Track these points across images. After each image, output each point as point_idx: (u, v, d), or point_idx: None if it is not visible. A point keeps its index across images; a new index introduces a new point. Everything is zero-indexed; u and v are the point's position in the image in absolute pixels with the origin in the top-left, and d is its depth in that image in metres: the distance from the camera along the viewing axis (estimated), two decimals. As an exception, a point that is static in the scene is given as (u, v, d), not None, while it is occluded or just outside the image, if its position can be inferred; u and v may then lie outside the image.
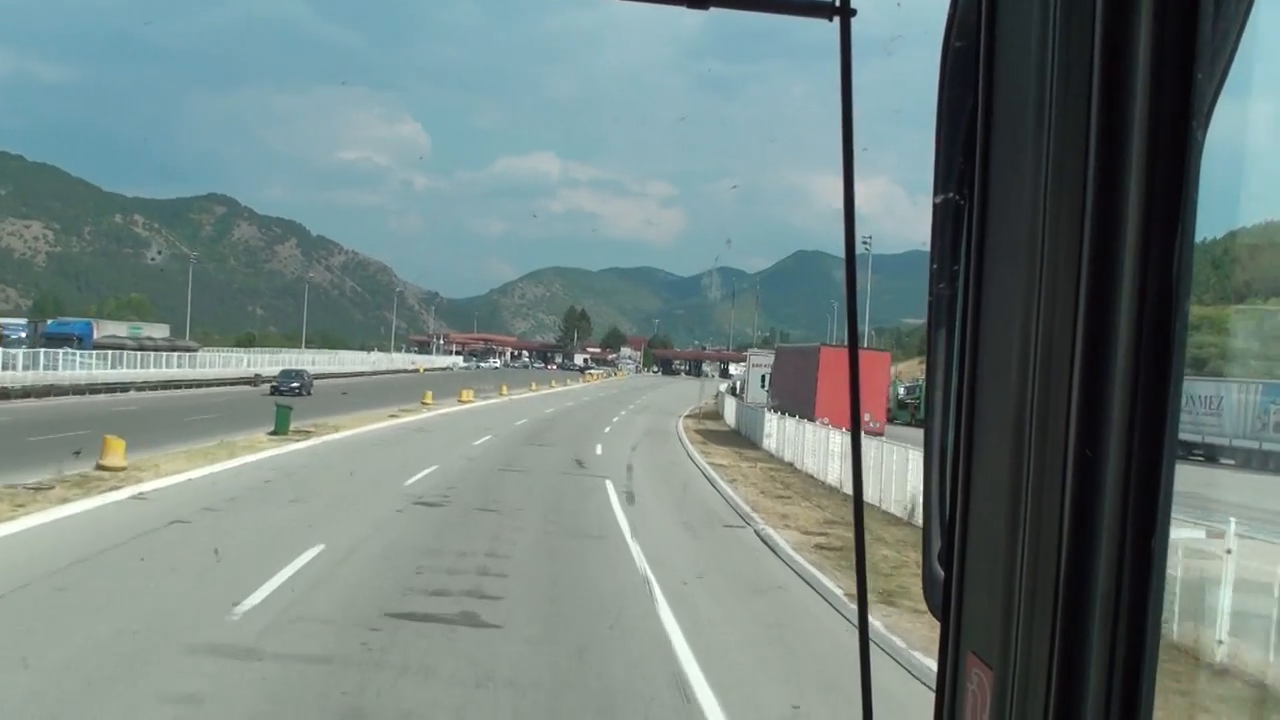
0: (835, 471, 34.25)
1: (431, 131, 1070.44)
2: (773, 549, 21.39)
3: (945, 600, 1.37)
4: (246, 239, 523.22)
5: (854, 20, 1.40)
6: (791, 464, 40.42)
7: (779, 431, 45.91)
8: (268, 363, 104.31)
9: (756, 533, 23.65)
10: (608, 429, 57.98)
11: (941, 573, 1.41)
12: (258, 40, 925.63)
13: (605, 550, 20.13)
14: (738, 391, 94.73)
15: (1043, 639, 1.17)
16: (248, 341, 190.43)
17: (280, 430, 38.38)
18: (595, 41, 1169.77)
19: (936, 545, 1.46)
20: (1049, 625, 1.16)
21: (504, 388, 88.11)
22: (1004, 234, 1.26)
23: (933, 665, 5.43)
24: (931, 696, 1.46)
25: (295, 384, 70.83)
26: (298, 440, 37.16)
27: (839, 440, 34.51)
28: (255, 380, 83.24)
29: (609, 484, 30.84)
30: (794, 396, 51.96)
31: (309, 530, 19.61)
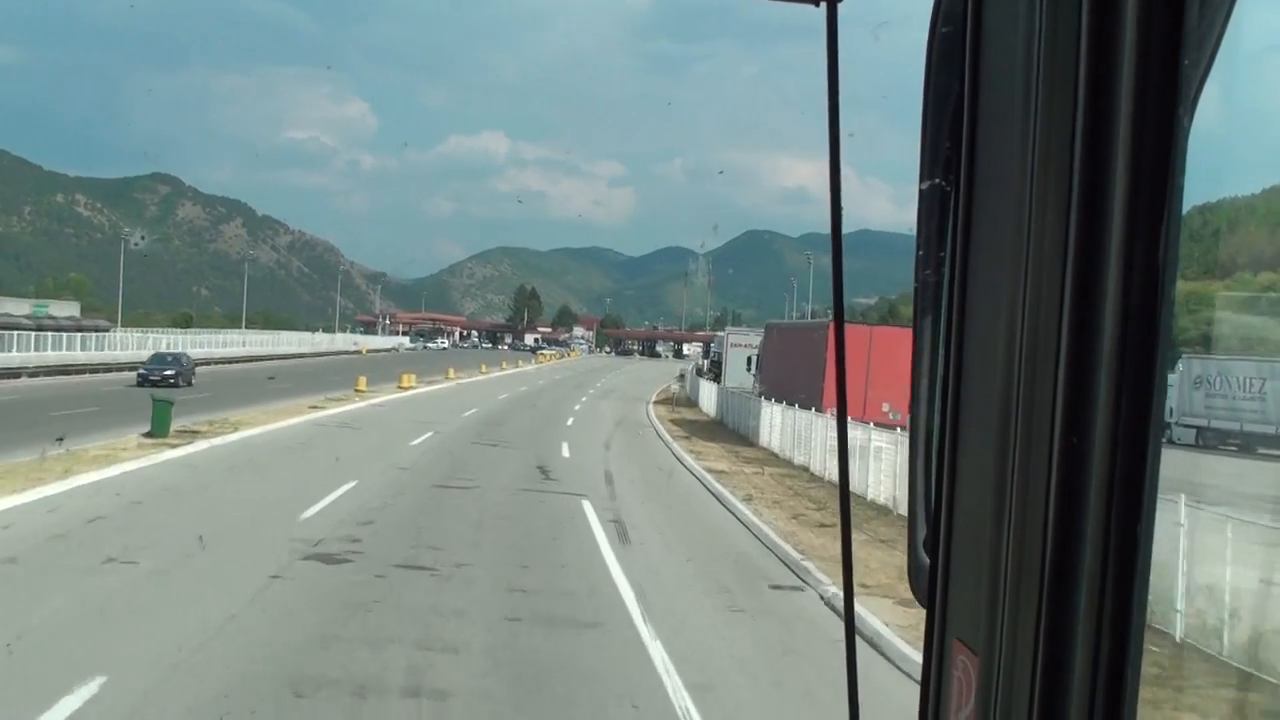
0: (872, 481, 25.67)
1: (379, 112, 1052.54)
2: (879, 649, 12.88)
3: (931, 587, 1.35)
4: (191, 219, 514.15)
5: (840, 5, 1.39)
6: (806, 468, 32.10)
7: (781, 425, 37.63)
8: (194, 344, 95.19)
9: (827, 601, 15.35)
10: (571, 420, 49.51)
11: (927, 560, 1.39)
12: (203, 19, 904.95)
13: (608, 660, 11.74)
14: (704, 373, 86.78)
15: (1028, 625, 1.16)
16: (184, 322, 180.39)
17: (158, 432, 29.58)
18: (543, 21, 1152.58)
19: (922, 532, 1.44)
20: (1034, 612, 1.16)
21: (450, 371, 79.14)
22: (990, 220, 1.25)
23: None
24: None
25: (169, 371, 57.40)
26: (179, 445, 28.27)
27: (861, 438, 25.88)
28: (175, 363, 74.26)
29: (588, 507, 22.52)
30: (791, 382, 43.44)
31: (94, 639, 11.15)
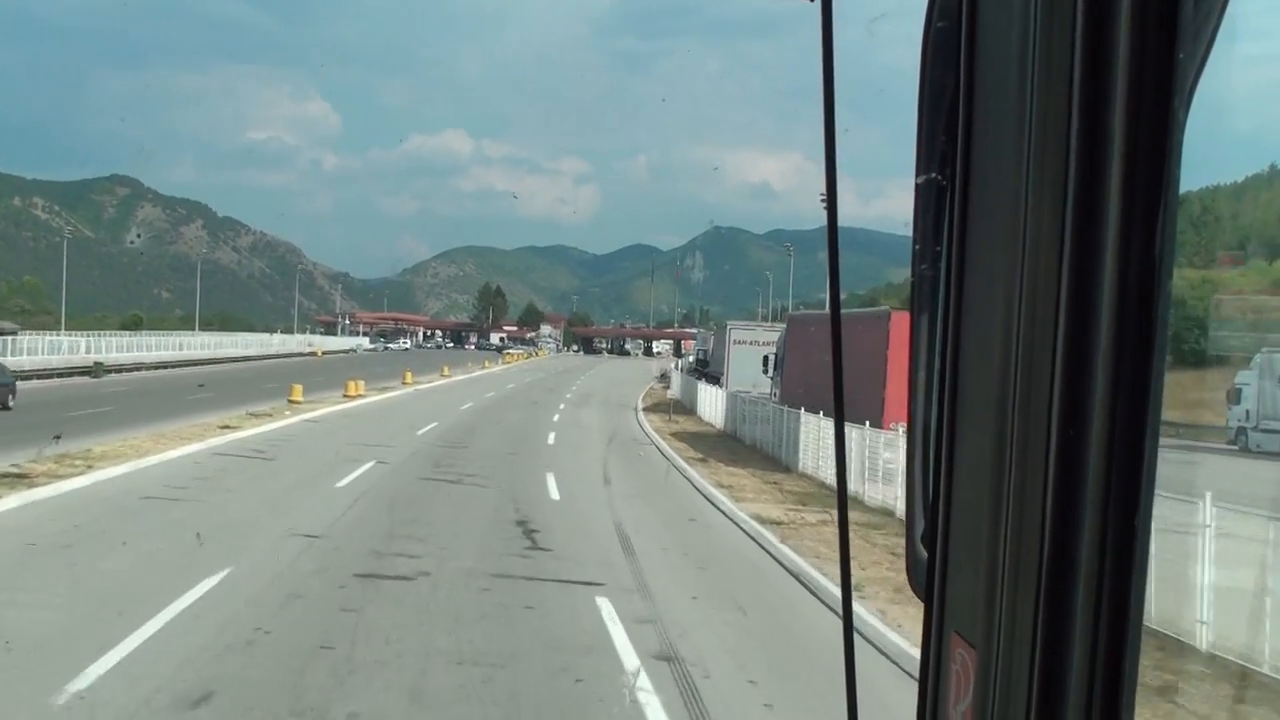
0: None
1: (341, 111, 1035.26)
2: None
3: (929, 581, 1.35)
4: (151, 220, 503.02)
5: (834, 1, 1.41)
6: (888, 511, 22.52)
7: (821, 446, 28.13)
8: (135, 347, 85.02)
9: None
10: (552, 436, 39.99)
11: (925, 554, 1.39)
12: (161, 18, 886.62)
13: None
14: (688, 373, 77.44)
15: (1026, 619, 1.16)
16: (134, 324, 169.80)
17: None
18: (503, 19, 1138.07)
19: (920, 526, 1.44)
20: (1032, 605, 1.16)
21: (408, 375, 68.91)
22: (986, 214, 1.25)
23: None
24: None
25: None
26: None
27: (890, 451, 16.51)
28: (95, 370, 64.11)
29: (608, 616, 13.15)
30: (825, 387, 33.68)
31: None
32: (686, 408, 56.47)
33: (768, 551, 18.58)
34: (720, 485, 26.67)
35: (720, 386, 55.96)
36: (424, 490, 23.41)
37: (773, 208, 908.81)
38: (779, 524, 20.83)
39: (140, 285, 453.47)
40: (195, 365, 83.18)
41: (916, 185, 1.46)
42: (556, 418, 48.36)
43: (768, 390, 46.07)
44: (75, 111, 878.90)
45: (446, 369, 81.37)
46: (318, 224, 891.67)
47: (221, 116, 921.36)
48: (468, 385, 71.94)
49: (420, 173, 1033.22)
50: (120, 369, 69.47)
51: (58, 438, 24.36)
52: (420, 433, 37.45)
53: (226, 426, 33.42)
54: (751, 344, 55.00)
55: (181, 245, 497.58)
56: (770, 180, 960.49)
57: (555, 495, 23.89)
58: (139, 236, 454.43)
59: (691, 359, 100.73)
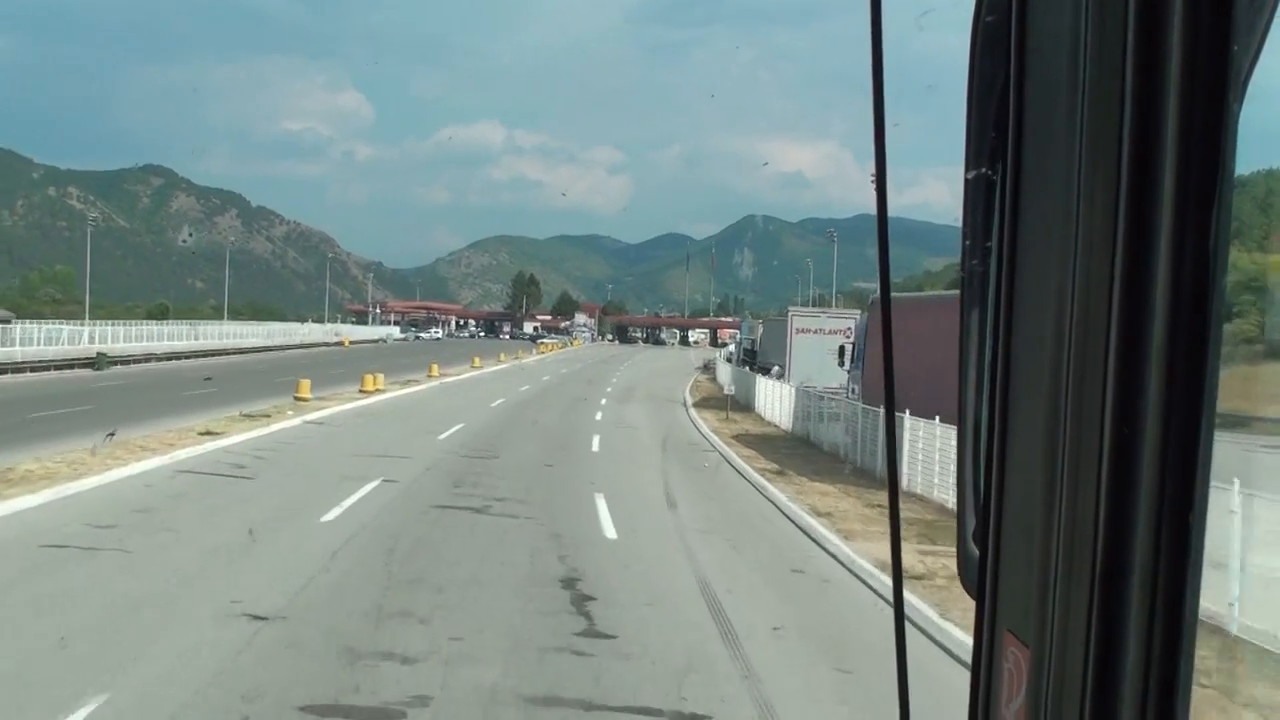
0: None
1: (374, 101, 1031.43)
2: None
3: (980, 579, 1.34)
4: (185, 210, 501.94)
5: None
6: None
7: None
8: (147, 336, 79.87)
9: None
10: (596, 442, 34.15)
11: (977, 551, 1.38)
12: (196, 10, 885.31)
13: None
14: (737, 362, 71.65)
15: (1079, 617, 1.15)
16: (160, 313, 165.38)
17: None
18: (537, 7, 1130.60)
19: (971, 524, 1.43)
20: (1085, 603, 1.15)
21: (434, 367, 63.05)
22: (1037, 209, 1.24)
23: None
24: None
25: None
26: None
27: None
28: (99, 361, 58.85)
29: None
30: (927, 383, 27.74)
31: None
32: (742, 403, 50.39)
33: (928, 635, 12.63)
34: (816, 512, 20.74)
35: (774, 378, 50.75)
36: (438, 526, 17.59)
37: (806, 196, 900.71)
38: (920, 579, 14.92)
39: (174, 275, 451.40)
40: (211, 356, 78.02)
41: (966, 180, 1.43)
42: (599, 416, 42.59)
43: (836, 385, 40.09)
44: (110, 102, 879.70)
45: (477, 360, 75.66)
46: (351, 214, 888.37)
47: (256, 107, 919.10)
48: (499, 378, 66.16)
49: (453, 162, 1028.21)
50: (129, 360, 64.32)
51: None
52: (442, 437, 31.64)
53: (209, 432, 27.61)
54: (815, 333, 49.12)
55: (215, 235, 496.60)
56: (804, 169, 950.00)
57: (610, 532, 17.98)
58: (190, 236, 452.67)
59: (730, 348, 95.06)
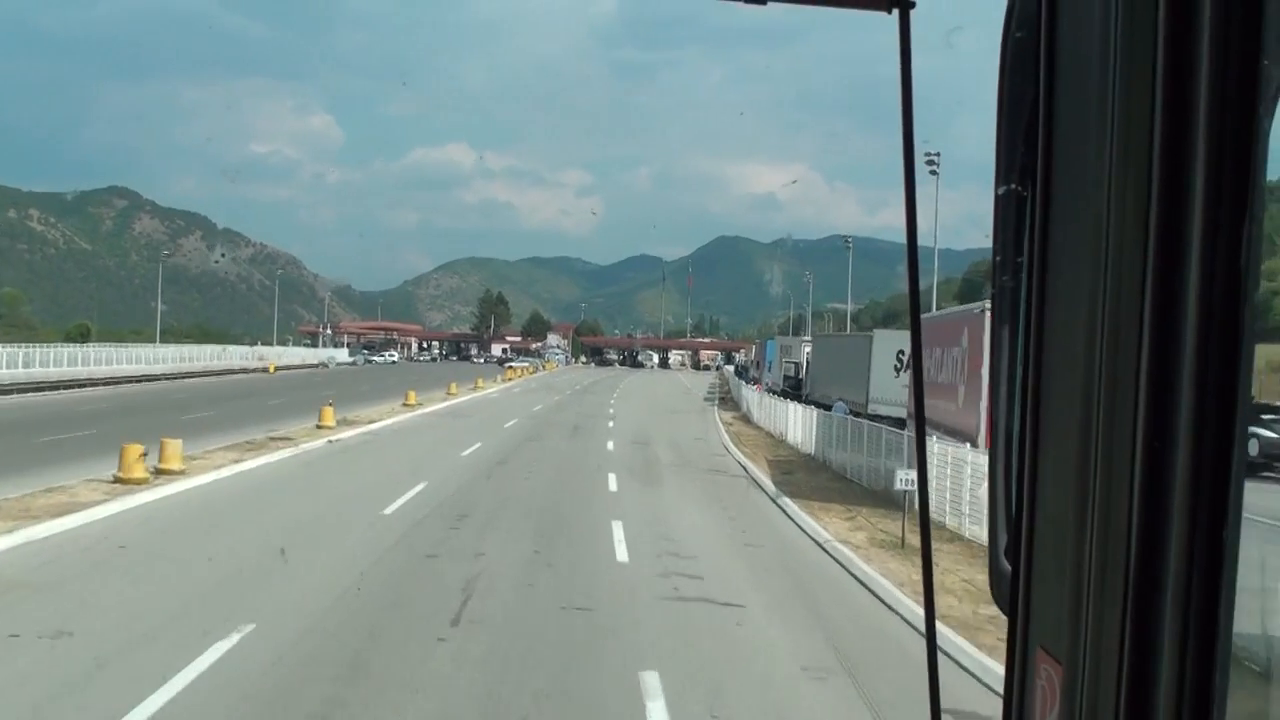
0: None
1: (344, 124, 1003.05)
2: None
3: (1013, 595, 1.32)
4: (149, 232, 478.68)
5: (912, 12, 1.39)
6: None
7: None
8: (35, 361, 57.89)
9: None
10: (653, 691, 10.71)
11: (1009, 568, 1.36)
12: (162, 31, 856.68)
13: None
14: (757, 385, 49.70)
15: (1113, 634, 1.12)
16: (80, 335, 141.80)
17: None
18: (506, 30, 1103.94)
19: (1003, 540, 1.40)
20: (1119, 620, 1.12)
21: (327, 413, 36.77)
22: (1068, 225, 1.22)
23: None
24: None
25: None
26: None
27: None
28: None
29: None
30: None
31: None
32: (768, 432, 27.41)
33: None
34: None
35: (840, 414, 34.68)
36: None
37: (777, 218, 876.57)
38: None
39: (137, 298, 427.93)
40: (99, 385, 58.48)
41: (996, 196, 1.42)
42: (623, 554, 19.49)
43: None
44: (74, 123, 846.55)
45: (411, 396, 51.97)
46: (319, 236, 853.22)
47: (222, 129, 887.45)
48: (433, 427, 42.97)
49: (422, 185, 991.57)
50: None
51: None
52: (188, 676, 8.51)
53: None
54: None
55: (179, 257, 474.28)
56: (775, 190, 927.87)
57: None
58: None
59: (731, 370, 73.22)
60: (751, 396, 57.06)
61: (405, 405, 50.33)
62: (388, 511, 19.95)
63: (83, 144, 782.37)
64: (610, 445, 36.98)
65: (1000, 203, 1.41)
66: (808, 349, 59.40)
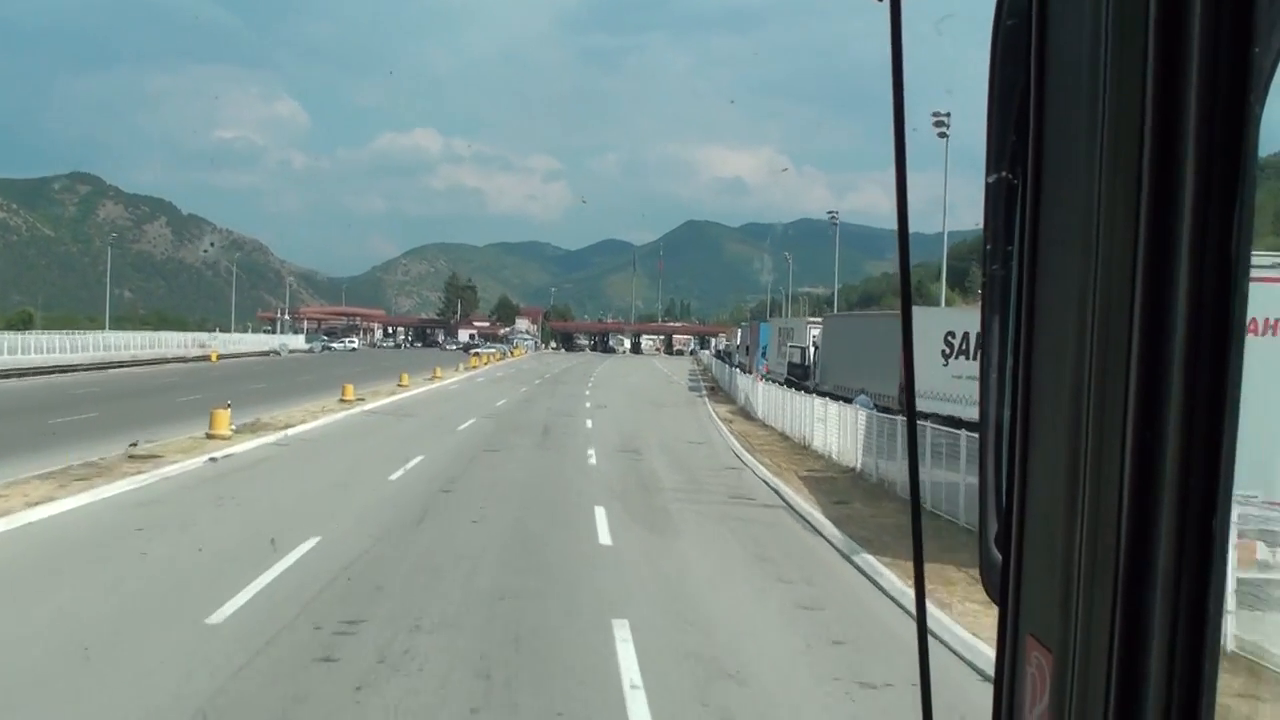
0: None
1: (310, 110, 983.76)
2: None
3: (1003, 583, 1.31)
4: (113, 219, 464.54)
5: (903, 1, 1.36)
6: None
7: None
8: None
9: None
10: None
11: (999, 556, 1.34)
12: (127, 19, 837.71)
13: None
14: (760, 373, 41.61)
15: (1103, 621, 1.12)
16: (21, 322, 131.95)
17: None
18: (471, 16, 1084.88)
19: (993, 529, 1.39)
20: (1109, 608, 1.11)
21: (219, 417, 27.58)
22: (1058, 213, 1.21)
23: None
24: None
25: None
26: None
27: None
28: None
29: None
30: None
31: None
32: (782, 433, 18.80)
33: None
34: None
35: (861, 406, 29.09)
36: None
37: (746, 202, 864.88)
38: None
39: (100, 284, 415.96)
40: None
41: (987, 184, 1.39)
42: (602, 568, 10.92)
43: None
44: (36, 110, 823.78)
45: (349, 390, 42.60)
46: (287, 223, 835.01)
47: (188, 116, 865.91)
48: (368, 432, 34.16)
49: (390, 171, 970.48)
50: None
51: None
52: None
53: None
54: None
55: (144, 244, 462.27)
56: (743, 175, 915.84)
57: None
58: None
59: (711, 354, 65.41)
60: (749, 386, 48.45)
61: (342, 401, 41.29)
62: (215, 620, 11.14)
63: (45, 130, 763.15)
64: (591, 456, 28.24)
65: (990, 191, 1.37)
66: (814, 331, 50.70)
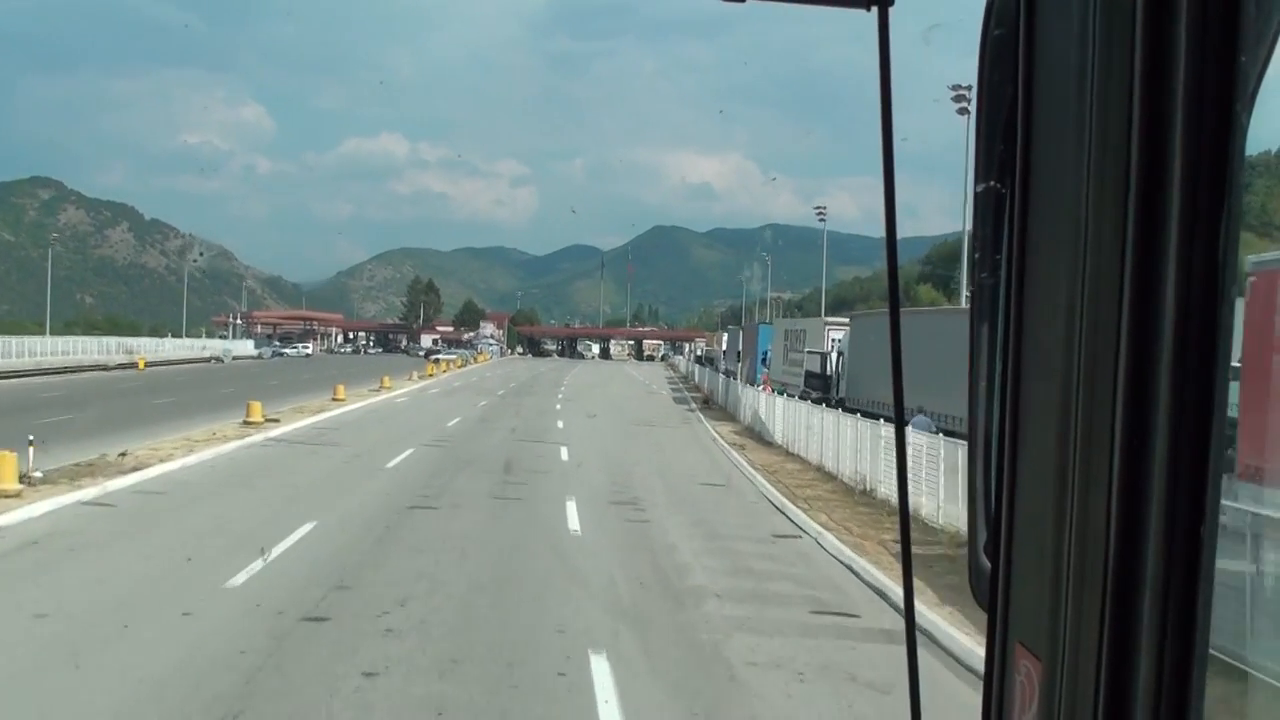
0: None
1: (275, 115, 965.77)
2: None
3: (992, 591, 1.29)
4: (74, 223, 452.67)
5: (891, 10, 1.35)
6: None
7: None
8: None
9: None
10: None
11: (988, 564, 1.33)
12: (89, 21, 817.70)
13: None
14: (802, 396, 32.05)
15: (1091, 629, 1.11)
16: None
17: None
18: (437, 21, 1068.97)
19: (982, 537, 1.37)
20: (1097, 615, 1.10)
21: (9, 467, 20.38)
22: (1047, 222, 1.20)
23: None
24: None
25: None
26: None
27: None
28: None
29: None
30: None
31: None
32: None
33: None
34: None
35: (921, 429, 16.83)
36: None
37: (713, 207, 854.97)
38: None
39: (62, 289, 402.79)
40: None
41: (975, 193, 1.38)
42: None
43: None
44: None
45: (257, 409, 32.45)
46: (251, 228, 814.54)
47: (151, 120, 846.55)
48: (256, 475, 24.69)
49: (356, 176, 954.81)
50: None
51: None
52: None
53: None
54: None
55: (106, 248, 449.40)
56: (710, 181, 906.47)
57: None
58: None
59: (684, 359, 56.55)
60: (758, 401, 39.05)
61: (246, 424, 31.34)
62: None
63: (5, 134, 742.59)
64: (572, 515, 18.68)
65: (979, 200, 1.37)
66: (837, 334, 41.29)
